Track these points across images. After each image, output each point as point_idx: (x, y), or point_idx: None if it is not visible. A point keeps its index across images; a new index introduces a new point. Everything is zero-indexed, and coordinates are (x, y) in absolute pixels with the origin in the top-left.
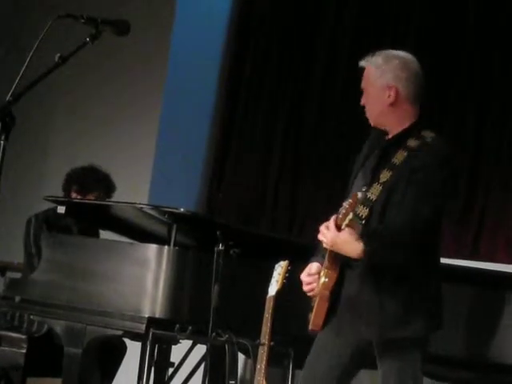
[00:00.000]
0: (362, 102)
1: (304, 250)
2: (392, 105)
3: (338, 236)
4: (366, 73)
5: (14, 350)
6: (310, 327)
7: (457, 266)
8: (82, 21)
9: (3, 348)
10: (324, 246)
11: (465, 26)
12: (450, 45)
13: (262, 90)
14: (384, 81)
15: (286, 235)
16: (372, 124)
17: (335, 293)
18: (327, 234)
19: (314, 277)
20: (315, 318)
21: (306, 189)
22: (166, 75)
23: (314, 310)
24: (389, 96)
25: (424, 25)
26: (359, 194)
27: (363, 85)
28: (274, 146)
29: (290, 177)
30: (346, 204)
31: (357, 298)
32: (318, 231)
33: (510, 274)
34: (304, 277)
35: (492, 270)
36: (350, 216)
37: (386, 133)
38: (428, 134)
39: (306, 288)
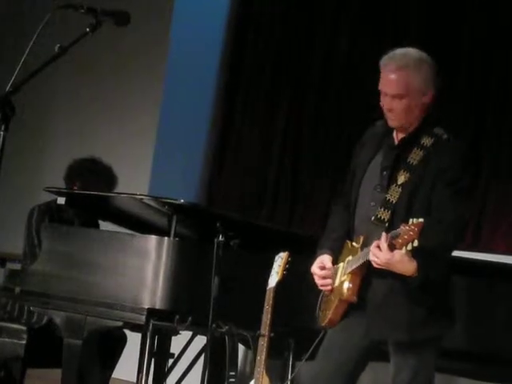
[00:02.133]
0: (390, 106)
1: (304, 242)
2: (423, 109)
3: (392, 256)
4: (401, 76)
5: (13, 341)
6: (325, 324)
7: (456, 256)
8: (82, 11)
9: (3, 339)
10: (374, 265)
11: (464, 26)
12: (449, 44)
13: (263, 80)
14: (423, 86)
15: (286, 226)
16: (395, 126)
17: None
18: (380, 254)
19: (329, 271)
20: (333, 316)
21: (306, 181)
22: (166, 66)
23: (333, 308)
24: (424, 101)
25: (423, 24)
26: (424, 222)
27: (398, 89)
28: (274, 138)
29: (289, 169)
30: (407, 228)
31: (386, 303)
32: (317, 223)
33: (510, 266)
34: (317, 270)
35: (492, 261)
36: (416, 243)
37: (390, 130)
38: (441, 132)
39: (320, 282)
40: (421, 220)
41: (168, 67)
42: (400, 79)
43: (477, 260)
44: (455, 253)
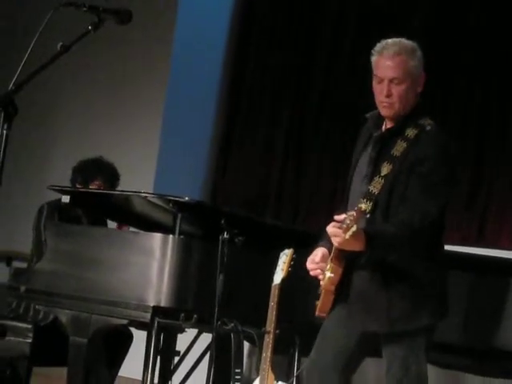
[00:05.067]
0: (387, 91)
1: (308, 239)
2: (416, 97)
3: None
4: (399, 62)
5: (19, 339)
6: (317, 314)
7: (461, 252)
8: (84, 9)
9: (9, 338)
10: (335, 244)
11: (466, 23)
12: (451, 42)
13: (267, 79)
14: (420, 70)
15: (291, 224)
16: (389, 114)
17: (343, 283)
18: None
19: (318, 265)
20: (321, 307)
21: (309, 180)
22: (169, 66)
23: (321, 300)
24: (418, 89)
25: (426, 24)
26: (363, 207)
27: (397, 74)
28: (277, 137)
29: (293, 168)
30: (349, 215)
31: (365, 293)
32: (321, 221)
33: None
34: (309, 264)
35: (497, 256)
36: (354, 228)
37: (381, 122)
38: (426, 122)
39: (312, 273)
40: (359, 206)
41: (172, 65)
42: (398, 64)
43: (482, 256)
44: (460, 248)
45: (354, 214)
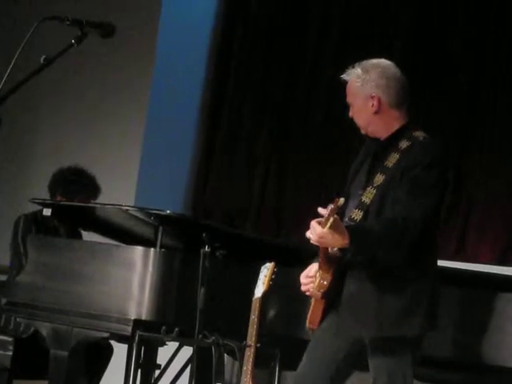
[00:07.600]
0: (350, 114)
1: (290, 252)
2: (377, 113)
3: (322, 231)
4: (348, 86)
5: (0, 352)
6: (307, 325)
7: (443, 266)
8: (67, 23)
9: None
10: (311, 242)
11: (454, 29)
12: (437, 47)
13: (248, 92)
14: (366, 91)
15: (273, 237)
16: (366, 134)
17: (336, 291)
18: (315, 228)
19: (311, 279)
20: (311, 317)
21: (291, 193)
22: (152, 77)
23: (311, 309)
24: (372, 105)
25: (411, 27)
26: (341, 200)
27: (348, 98)
28: (259, 149)
29: (275, 181)
30: (328, 208)
31: (356, 297)
32: (305, 234)
33: (495, 275)
34: (302, 278)
35: (478, 270)
36: (331, 219)
37: (378, 139)
38: (420, 135)
39: (302, 288)
40: (339, 198)
41: (154, 77)
42: (348, 88)
43: (462, 270)
44: (441, 262)
45: (332, 206)
